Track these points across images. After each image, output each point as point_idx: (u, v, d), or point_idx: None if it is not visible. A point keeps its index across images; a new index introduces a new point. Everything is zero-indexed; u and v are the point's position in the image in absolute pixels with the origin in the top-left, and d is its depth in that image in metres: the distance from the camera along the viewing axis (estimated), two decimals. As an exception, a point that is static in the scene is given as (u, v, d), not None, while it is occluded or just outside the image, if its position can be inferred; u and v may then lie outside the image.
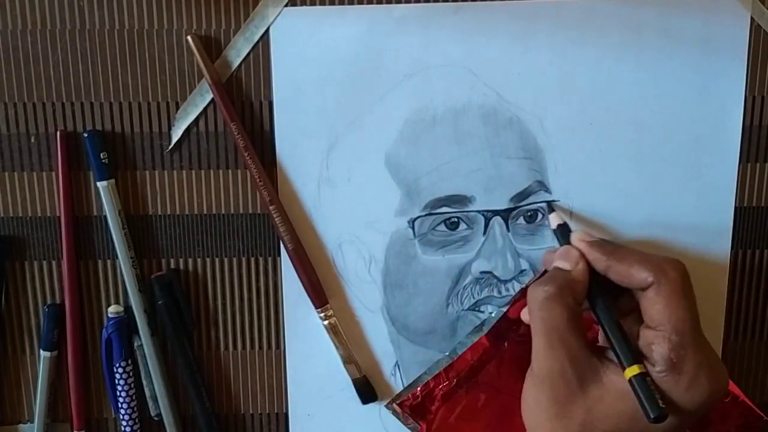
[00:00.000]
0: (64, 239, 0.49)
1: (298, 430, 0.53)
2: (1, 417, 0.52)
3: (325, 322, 0.50)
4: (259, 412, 0.53)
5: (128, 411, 0.51)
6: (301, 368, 0.51)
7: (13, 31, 0.47)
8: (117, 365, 0.50)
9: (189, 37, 0.46)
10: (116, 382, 0.50)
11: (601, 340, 0.45)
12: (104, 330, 0.50)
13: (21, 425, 0.52)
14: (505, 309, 0.48)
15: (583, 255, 0.44)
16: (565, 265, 0.44)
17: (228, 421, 0.53)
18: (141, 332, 0.50)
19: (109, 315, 0.50)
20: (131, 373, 0.51)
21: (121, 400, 0.51)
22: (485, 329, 0.48)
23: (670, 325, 0.40)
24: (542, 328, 0.42)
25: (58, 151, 0.48)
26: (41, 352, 0.50)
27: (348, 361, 0.50)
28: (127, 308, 0.50)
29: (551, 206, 0.49)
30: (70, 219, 0.49)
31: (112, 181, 0.48)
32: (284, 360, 0.52)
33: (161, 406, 0.51)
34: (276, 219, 0.48)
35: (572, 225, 0.49)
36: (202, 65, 0.46)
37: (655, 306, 0.41)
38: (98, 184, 0.48)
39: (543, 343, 0.42)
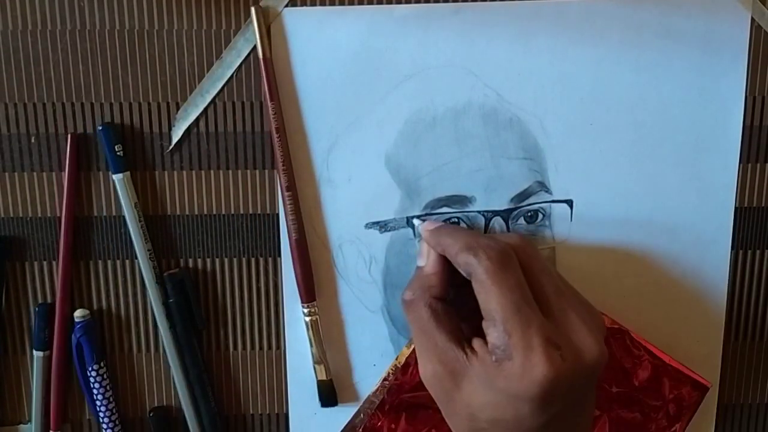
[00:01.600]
0: (62, 239, 0.49)
1: (298, 431, 0.53)
2: (2, 417, 0.52)
3: (307, 319, 0.50)
4: (260, 412, 0.53)
5: (106, 413, 0.51)
6: (301, 369, 0.51)
7: (14, 32, 0.47)
8: (90, 369, 0.50)
9: (253, 8, 0.46)
10: (92, 384, 0.50)
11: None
12: (73, 335, 0.50)
13: (21, 425, 0.52)
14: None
15: (429, 247, 0.45)
16: (420, 261, 0.46)
17: (229, 420, 0.53)
18: (160, 325, 0.50)
19: (76, 319, 0.50)
20: (105, 376, 0.51)
21: (98, 402, 0.51)
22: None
23: (493, 312, 0.40)
24: (414, 332, 0.44)
25: (68, 152, 0.48)
26: (34, 352, 0.50)
27: (318, 361, 0.50)
28: (100, 310, 0.50)
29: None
30: (70, 219, 0.49)
31: (128, 173, 0.48)
32: (284, 360, 0.52)
33: (181, 400, 0.51)
34: (289, 206, 0.48)
35: (573, 225, 0.50)
36: (257, 38, 0.46)
37: (479, 296, 0.41)
38: (114, 177, 0.48)
39: (417, 347, 0.43)
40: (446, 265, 0.44)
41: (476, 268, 0.41)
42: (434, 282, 0.44)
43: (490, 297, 0.40)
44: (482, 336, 0.41)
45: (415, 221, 0.49)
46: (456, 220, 0.49)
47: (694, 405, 0.51)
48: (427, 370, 0.42)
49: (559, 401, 0.39)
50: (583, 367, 0.40)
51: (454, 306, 0.44)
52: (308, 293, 0.50)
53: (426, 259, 0.45)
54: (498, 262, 0.40)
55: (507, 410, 0.40)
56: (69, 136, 0.48)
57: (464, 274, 0.42)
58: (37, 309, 0.50)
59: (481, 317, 0.41)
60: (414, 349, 0.48)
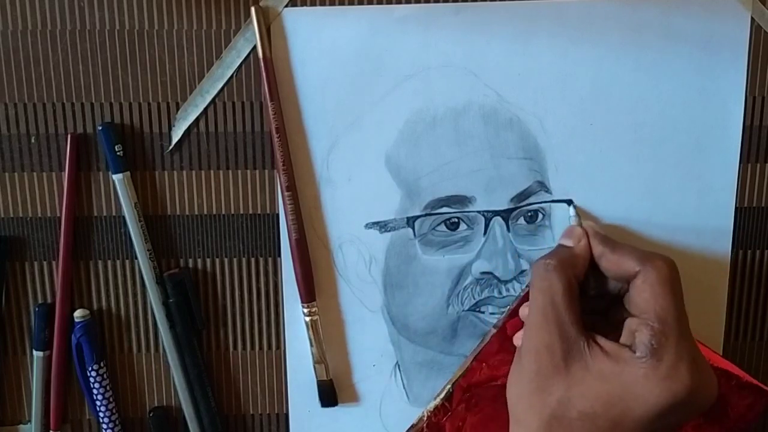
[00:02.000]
0: (62, 239, 0.49)
1: (298, 431, 0.53)
2: (2, 417, 0.52)
3: (307, 319, 0.50)
4: (260, 412, 0.53)
5: (106, 413, 0.51)
6: (301, 369, 0.51)
7: (14, 32, 0.47)
8: (90, 369, 0.50)
9: (253, 8, 0.46)
10: (91, 384, 0.50)
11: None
12: (72, 335, 0.50)
13: (21, 426, 0.52)
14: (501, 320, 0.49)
15: (586, 235, 0.45)
16: (568, 242, 0.45)
17: (229, 420, 0.53)
18: (160, 325, 0.50)
19: (76, 319, 0.50)
20: (105, 376, 0.51)
21: (98, 402, 0.51)
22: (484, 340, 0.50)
23: (653, 312, 0.40)
24: (540, 299, 0.42)
25: (68, 152, 0.48)
26: (34, 352, 0.51)
27: (319, 361, 0.50)
28: (100, 310, 0.50)
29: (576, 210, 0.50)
30: (70, 219, 0.49)
31: (128, 173, 0.48)
32: (284, 361, 0.52)
33: (181, 399, 0.51)
34: (289, 206, 0.48)
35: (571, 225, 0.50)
36: (257, 38, 0.46)
37: (641, 294, 0.41)
38: (113, 177, 0.48)
39: (537, 314, 0.42)
40: (592, 257, 0.45)
41: (648, 268, 0.41)
42: (579, 263, 0.44)
43: (656, 298, 0.40)
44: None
45: (571, 209, 0.49)
46: (456, 220, 0.49)
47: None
48: (541, 339, 0.41)
49: (670, 418, 0.40)
50: (706, 397, 0.40)
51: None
52: (308, 293, 0.50)
53: (577, 242, 0.45)
54: (671, 269, 0.41)
55: (614, 408, 0.39)
56: (69, 136, 0.48)
57: (621, 275, 0.42)
58: (37, 309, 0.50)
59: (605, 326, 0.42)
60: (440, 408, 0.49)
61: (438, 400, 0.50)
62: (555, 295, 0.42)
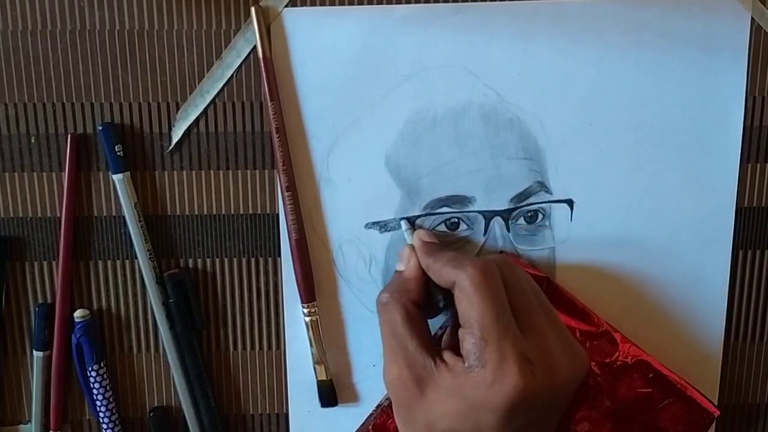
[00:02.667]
0: (62, 239, 0.49)
1: (298, 431, 0.53)
2: (2, 417, 0.52)
3: (307, 319, 0.50)
4: (260, 412, 0.53)
5: (106, 413, 0.51)
6: (301, 369, 0.51)
7: (14, 32, 0.47)
8: (90, 369, 0.50)
9: (253, 8, 0.46)
10: (91, 384, 0.50)
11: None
12: (72, 335, 0.50)
13: (22, 426, 0.52)
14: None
15: (411, 250, 0.46)
16: (400, 266, 0.46)
17: (229, 420, 0.53)
18: (160, 325, 0.50)
19: (76, 319, 0.50)
20: (105, 376, 0.51)
21: (98, 402, 0.51)
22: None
23: (473, 320, 0.40)
24: (384, 332, 0.44)
25: (68, 152, 0.48)
26: (34, 352, 0.50)
27: (318, 361, 0.50)
28: (101, 310, 0.50)
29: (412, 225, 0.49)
30: (70, 219, 0.49)
31: (128, 173, 0.48)
32: (284, 360, 0.52)
33: (181, 399, 0.51)
34: (289, 206, 0.48)
35: (573, 225, 0.50)
36: (257, 38, 0.46)
37: (460, 304, 0.41)
38: (113, 177, 0.48)
39: (385, 348, 0.44)
40: (425, 273, 0.45)
41: (461, 277, 0.41)
42: (412, 287, 0.45)
43: (471, 304, 0.40)
44: (453, 351, 0.42)
45: (403, 223, 0.49)
46: (456, 220, 0.49)
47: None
48: (392, 373, 0.43)
49: (522, 417, 0.40)
50: (553, 386, 0.40)
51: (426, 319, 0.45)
52: (308, 293, 0.50)
53: (407, 264, 0.46)
54: (482, 273, 0.41)
55: (468, 420, 0.40)
56: (69, 136, 0.48)
57: (446, 285, 0.43)
58: (37, 309, 0.50)
59: (453, 334, 0.42)
60: None
61: (383, 401, 0.50)
62: (394, 326, 0.43)
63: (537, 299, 0.43)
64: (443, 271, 0.43)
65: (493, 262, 0.43)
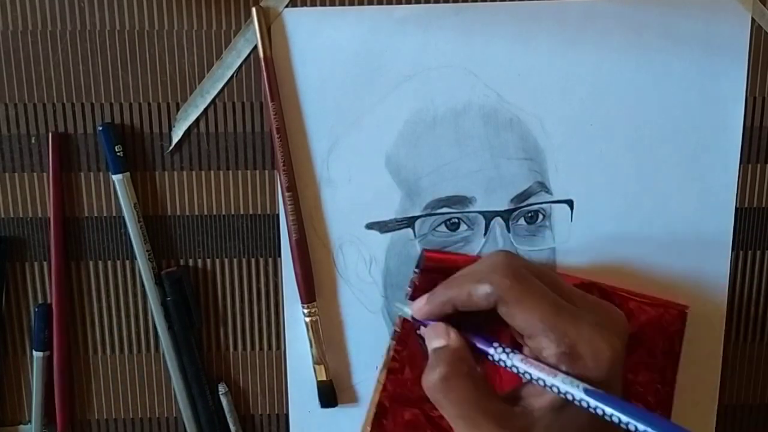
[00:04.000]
0: (53, 239, 0.49)
1: (298, 431, 0.53)
2: (3, 417, 0.52)
3: (307, 319, 0.50)
4: (260, 412, 0.53)
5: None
6: (301, 369, 0.51)
7: (14, 32, 0.47)
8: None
9: (254, 8, 0.46)
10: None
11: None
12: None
13: (22, 426, 0.52)
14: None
15: (445, 324, 0.42)
16: (440, 342, 0.41)
17: (228, 421, 0.53)
18: (158, 326, 0.50)
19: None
20: None
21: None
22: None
23: (538, 324, 0.38)
24: (456, 411, 0.39)
25: (50, 152, 0.48)
26: (34, 352, 0.50)
27: (318, 362, 0.50)
28: (101, 310, 0.50)
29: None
30: (59, 219, 0.49)
31: (127, 174, 0.48)
32: (284, 361, 0.52)
33: (179, 401, 0.52)
34: (289, 206, 0.48)
35: (573, 225, 0.50)
36: (258, 38, 0.46)
37: (515, 318, 0.39)
38: (113, 177, 0.48)
39: (467, 425, 0.39)
40: (466, 337, 0.42)
41: (499, 292, 0.39)
42: (465, 354, 0.41)
43: (526, 310, 0.38)
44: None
45: (400, 307, 0.45)
46: (456, 220, 0.49)
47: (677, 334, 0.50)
48: None
49: (616, 374, 0.39)
50: (625, 333, 0.40)
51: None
52: (308, 294, 0.50)
53: (447, 337, 0.41)
54: (515, 277, 0.39)
55: (582, 413, 0.38)
56: (50, 135, 0.48)
57: (487, 306, 0.40)
58: (36, 309, 0.50)
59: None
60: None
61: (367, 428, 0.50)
62: (469, 398, 0.39)
63: (556, 275, 0.42)
64: (475, 296, 0.40)
65: (512, 260, 0.41)
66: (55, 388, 0.51)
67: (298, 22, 0.47)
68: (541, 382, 0.38)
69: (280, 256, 0.50)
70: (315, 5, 0.47)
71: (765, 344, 0.53)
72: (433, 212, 0.49)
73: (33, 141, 0.48)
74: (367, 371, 0.52)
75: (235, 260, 0.50)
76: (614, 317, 0.40)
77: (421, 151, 0.49)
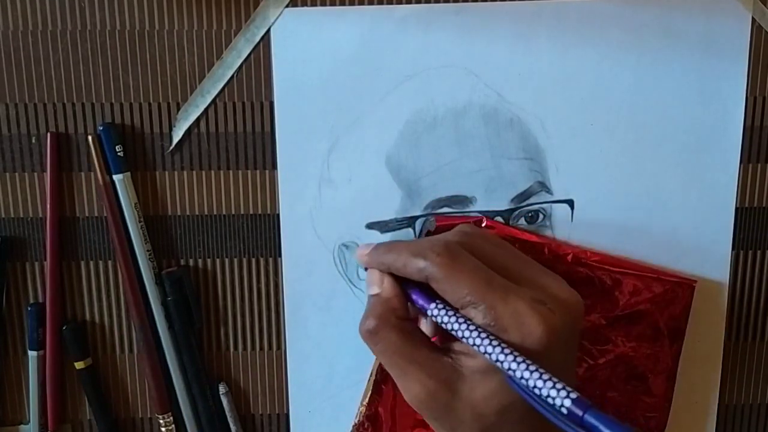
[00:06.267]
0: (48, 239, 0.49)
1: (298, 431, 0.53)
2: (3, 417, 0.52)
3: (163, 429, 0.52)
4: (260, 412, 0.53)
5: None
6: (301, 369, 0.51)
7: (14, 32, 0.47)
8: None
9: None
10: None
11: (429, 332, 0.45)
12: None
13: (22, 426, 0.52)
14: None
15: (382, 271, 0.44)
16: (373, 289, 0.44)
17: (228, 421, 0.53)
18: (159, 325, 0.50)
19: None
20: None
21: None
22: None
23: (466, 297, 0.39)
24: (387, 360, 0.41)
25: (48, 152, 0.48)
26: (28, 351, 0.50)
27: None
28: (101, 310, 0.50)
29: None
30: (55, 219, 0.49)
31: (128, 174, 0.48)
32: (284, 360, 0.52)
33: (180, 400, 0.52)
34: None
35: (573, 225, 0.50)
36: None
37: (446, 293, 0.40)
38: (114, 177, 0.48)
39: (396, 373, 0.41)
40: (401, 286, 0.43)
41: (431, 268, 0.40)
42: (396, 304, 0.43)
43: (456, 284, 0.39)
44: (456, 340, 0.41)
45: (355, 250, 0.48)
46: (456, 220, 0.49)
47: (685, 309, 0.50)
48: (416, 392, 0.40)
49: (557, 354, 0.39)
50: (571, 313, 0.40)
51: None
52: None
53: (380, 285, 0.44)
54: (448, 255, 0.40)
55: (509, 393, 0.38)
56: (49, 134, 0.48)
57: (417, 278, 0.41)
58: (29, 309, 0.50)
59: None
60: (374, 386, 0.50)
61: (368, 394, 0.50)
62: (398, 348, 0.41)
63: (509, 252, 0.43)
64: (409, 268, 0.41)
65: (453, 239, 0.42)
66: (47, 387, 0.51)
67: (298, 22, 0.47)
68: (473, 345, 0.38)
69: (280, 256, 0.50)
70: (315, 5, 0.47)
71: (765, 344, 0.53)
72: (433, 212, 0.49)
73: (33, 141, 0.48)
74: (367, 371, 0.51)
75: (235, 260, 0.50)
76: (561, 296, 0.40)
77: (421, 151, 0.49)
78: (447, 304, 0.41)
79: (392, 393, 0.50)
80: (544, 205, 0.50)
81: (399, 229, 0.50)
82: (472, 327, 0.39)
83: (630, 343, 0.50)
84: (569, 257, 0.49)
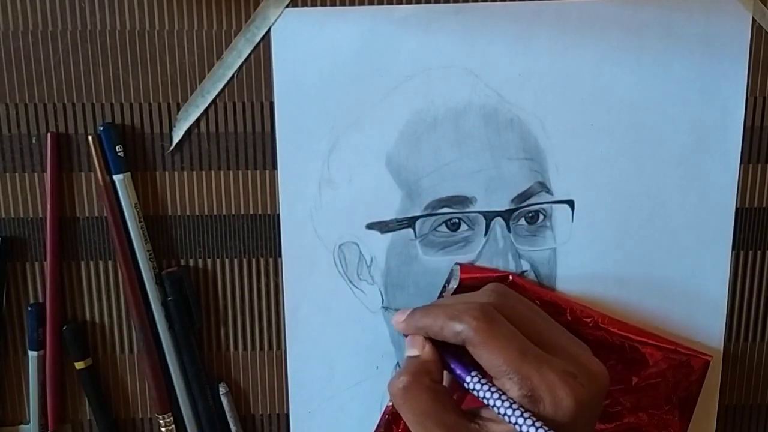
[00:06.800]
0: (48, 239, 0.49)
1: (298, 431, 0.53)
2: (3, 417, 0.52)
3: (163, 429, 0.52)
4: (260, 412, 0.53)
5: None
6: (301, 369, 0.51)
7: (14, 32, 0.47)
8: None
9: (90, 137, 0.47)
10: None
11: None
12: None
13: (23, 426, 0.52)
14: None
15: (424, 337, 0.44)
16: (413, 351, 0.44)
17: (228, 421, 0.53)
18: (159, 325, 0.50)
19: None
20: None
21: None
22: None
23: (502, 366, 0.40)
24: (414, 419, 0.41)
25: (48, 152, 0.48)
26: (28, 351, 0.50)
27: None
28: (101, 310, 0.50)
29: None
30: (55, 219, 0.49)
31: (128, 174, 0.48)
32: (285, 360, 0.52)
33: (180, 400, 0.51)
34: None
35: (574, 225, 0.50)
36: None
37: (481, 359, 0.41)
38: (114, 177, 0.48)
39: None
40: (440, 353, 0.44)
41: (468, 332, 0.41)
42: (431, 368, 0.43)
43: (492, 353, 0.40)
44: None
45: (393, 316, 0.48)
46: (457, 220, 0.49)
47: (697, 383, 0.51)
48: None
49: (581, 425, 0.40)
50: (598, 387, 0.41)
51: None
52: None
53: (421, 349, 0.44)
54: (485, 319, 0.41)
55: None
56: (49, 134, 0.48)
57: (453, 341, 0.42)
58: (30, 309, 0.50)
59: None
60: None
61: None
62: (426, 408, 0.41)
63: (541, 317, 0.44)
64: (446, 332, 0.42)
65: (488, 304, 0.42)
66: (47, 388, 0.51)
67: (298, 22, 0.47)
68: (504, 416, 0.39)
69: (280, 256, 0.50)
70: (315, 5, 0.47)
71: (765, 345, 0.53)
72: (433, 212, 0.49)
73: (33, 141, 0.48)
74: (367, 371, 0.52)
75: (235, 260, 0.50)
76: (590, 368, 0.41)
77: (421, 151, 0.49)
78: (483, 373, 0.41)
79: None
80: (544, 206, 0.50)
81: (399, 229, 0.50)
82: (504, 397, 0.39)
83: (640, 411, 0.50)
84: (590, 322, 0.49)
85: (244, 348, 0.52)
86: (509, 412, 0.39)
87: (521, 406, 0.39)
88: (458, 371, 0.42)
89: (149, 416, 0.52)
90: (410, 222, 0.49)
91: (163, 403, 0.51)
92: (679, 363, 0.50)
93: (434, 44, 0.47)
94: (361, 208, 0.49)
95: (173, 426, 0.52)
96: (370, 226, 0.50)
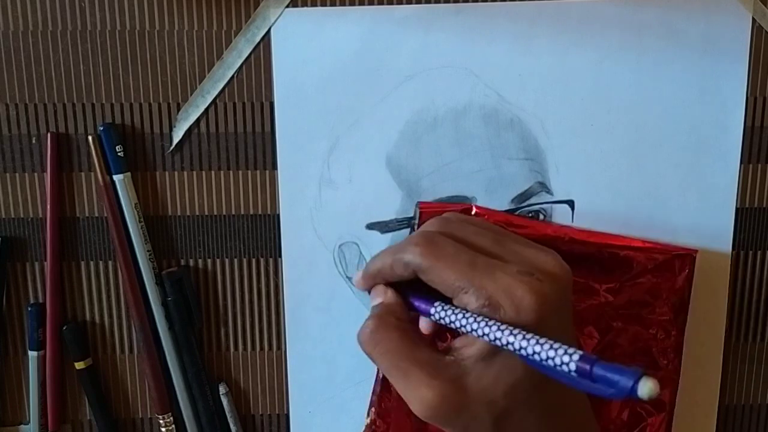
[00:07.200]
0: (48, 239, 0.49)
1: (298, 431, 0.53)
2: (3, 417, 0.52)
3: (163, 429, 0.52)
4: (260, 412, 0.53)
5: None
6: (302, 369, 0.51)
7: (14, 32, 0.47)
8: None
9: (90, 137, 0.47)
10: None
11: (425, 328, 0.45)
12: None
13: (23, 426, 0.52)
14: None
15: (384, 285, 0.43)
16: (377, 300, 0.43)
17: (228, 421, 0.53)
18: (159, 325, 0.50)
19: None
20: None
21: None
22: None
23: (454, 282, 0.38)
24: (388, 363, 0.39)
25: (48, 152, 0.48)
26: (28, 351, 0.51)
27: None
28: (101, 310, 0.50)
29: None
30: (55, 219, 0.49)
31: (128, 174, 0.48)
32: (285, 360, 0.52)
33: (180, 400, 0.52)
34: None
35: (574, 226, 0.50)
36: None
37: (435, 283, 0.39)
38: (114, 177, 0.48)
39: (399, 378, 0.39)
40: (402, 296, 0.42)
41: (415, 260, 0.39)
42: (396, 309, 0.42)
43: (442, 272, 0.39)
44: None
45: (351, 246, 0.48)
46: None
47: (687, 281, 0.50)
48: (426, 397, 0.37)
49: (552, 322, 0.38)
50: (560, 284, 0.39)
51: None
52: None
53: (384, 294, 0.42)
54: (427, 243, 0.40)
55: (517, 365, 0.38)
56: (49, 135, 0.48)
57: (409, 275, 0.40)
58: (29, 309, 0.50)
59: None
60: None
61: (376, 391, 0.50)
62: (396, 347, 0.39)
63: (495, 231, 0.42)
64: (396, 268, 0.41)
65: (431, 228, 0.42)
66: (47, 388, 0.51)
67: (298, 22, 0.47)
68: (471, 332, 0.38)
69: (280, 256, 0.50)
70: (315, 5, 0.47)
71: (765, 344, 0.53)
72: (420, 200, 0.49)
73: (33, 141, 0.48)
74: (367, 371, 0.51)
75: (235, 260, 0.50)
76: (547, 267, 0.39)
77: (421, 151, 0.49)
78: (446, 301, 0.40)
79: None
80: (544, 206, 0.50)
81: (399, 229, 0.50)
82: (467, 313, 0.38)
83: (634, 321, 0.50)
84: (565, 237, 0.48)
85: (244, 348, 0.52)
86: (474, 326, 0.37)
87: (485, 317, 0.37)
88: (423, 307, 0.41)
89: (149, 416, 0.52)
90: (410, 222, 0.49)
91: (163, 403, 0.51)
92: (663, 261, 0.49)
93: (434, 44, 0.47)
94: (361, 208, 0.49)
95: (173, 426, 0.52)
96: (370, 227, 0.50)
